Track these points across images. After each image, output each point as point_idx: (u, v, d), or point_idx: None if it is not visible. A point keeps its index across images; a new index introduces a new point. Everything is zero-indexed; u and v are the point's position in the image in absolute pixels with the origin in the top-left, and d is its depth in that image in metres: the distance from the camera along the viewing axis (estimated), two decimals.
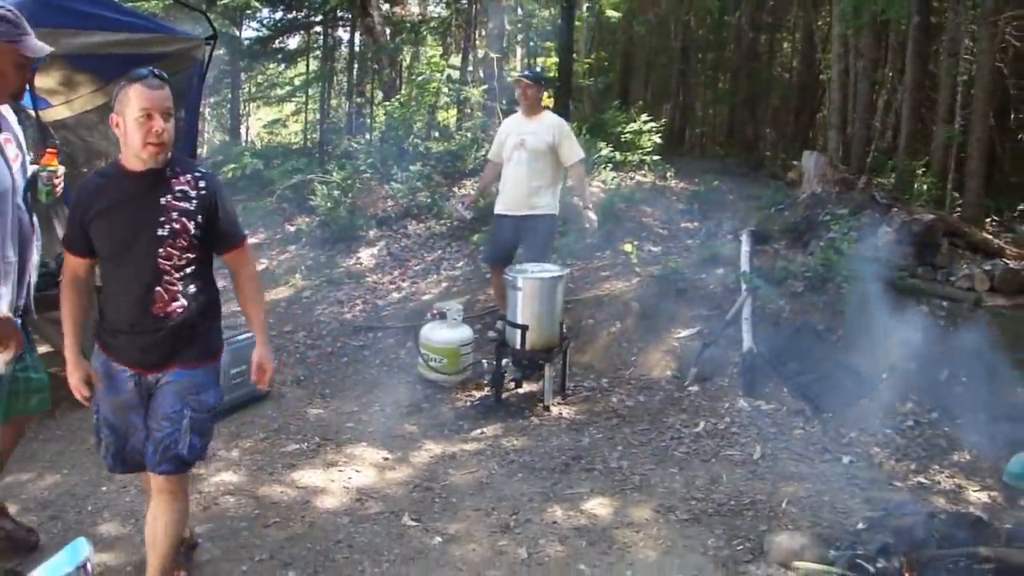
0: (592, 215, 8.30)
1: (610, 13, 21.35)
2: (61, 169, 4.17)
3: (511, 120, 8.51)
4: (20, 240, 3.91)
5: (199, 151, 8.19)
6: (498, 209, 8.26)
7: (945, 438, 6.64)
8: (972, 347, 7.53)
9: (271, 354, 4.00)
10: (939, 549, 4.35)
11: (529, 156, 7.98)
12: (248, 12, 20.51)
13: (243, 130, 26.60)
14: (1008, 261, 9.40)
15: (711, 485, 5.73)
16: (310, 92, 24.37)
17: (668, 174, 14.50)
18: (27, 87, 3.98)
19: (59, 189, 4.13)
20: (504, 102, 16.00)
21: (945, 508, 5.44)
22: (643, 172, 14.46)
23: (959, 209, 12.88)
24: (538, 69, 18.80)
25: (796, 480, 5.85)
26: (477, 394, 7.56)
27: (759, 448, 6.37)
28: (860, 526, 4.97)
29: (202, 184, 3.76)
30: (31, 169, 4.16)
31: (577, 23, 20.60)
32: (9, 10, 3.80)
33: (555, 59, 20.61)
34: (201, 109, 9.04)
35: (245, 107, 26.82)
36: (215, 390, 3.94)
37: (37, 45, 3.82)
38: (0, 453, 4.47)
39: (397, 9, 19.66)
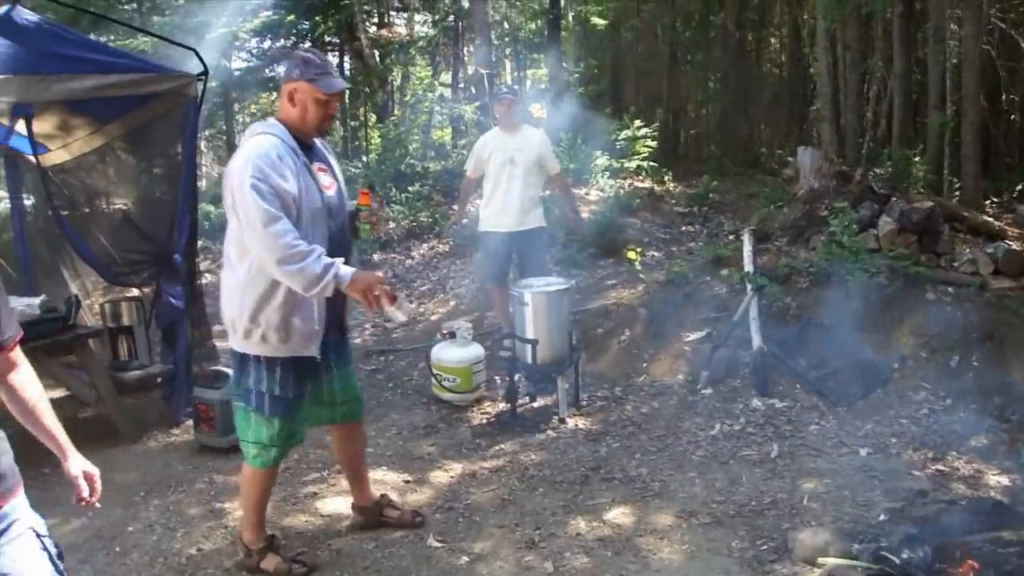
0: (582, 221, 8.82)
1: (596, 21, 21.38)
2: (375, 206, 4.56)
3: (492, 136, 8.53)
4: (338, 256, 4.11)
5: (199, 184, 8.24)
6: (490, 226, 8.37)
7: (961, 424, 6.66)
8: (980, 331, 7.58)
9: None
10: (963, 536, 4.37)
11: (522, 171, 8.12)
12: (237, 43, 20.59)
13: None
14: (1010, 243, 9.43)
15: (731, 487, 5.75)
16: None
17: (665, 178, 14.54)
18: (327, 121, 4.25)
19: (378, 227, 4.60)
20: (496, 116, 16.08)
21: (965, 495, 5.48)
22: (640, 177, 14.51)
23: (957, 193, 12.91)
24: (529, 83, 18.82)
25: (815, 476, 5.88)
26: (492, 411, 7.57)
27: (776, 447, 6.40)
28: (882, 518, 5.01)
29: None
30: (351, 203, 4.53)
31: (564, 33, 20.65)
32: (312, 52, 4.28)
33: (544, 70, 20.65)
34: (197, 143, 9.10)
35: (239, 138, 26.83)
36: None
37: (332, 83, 4.15)
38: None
39: (384, 31, 19.72)
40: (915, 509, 5.05)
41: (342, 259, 4.03)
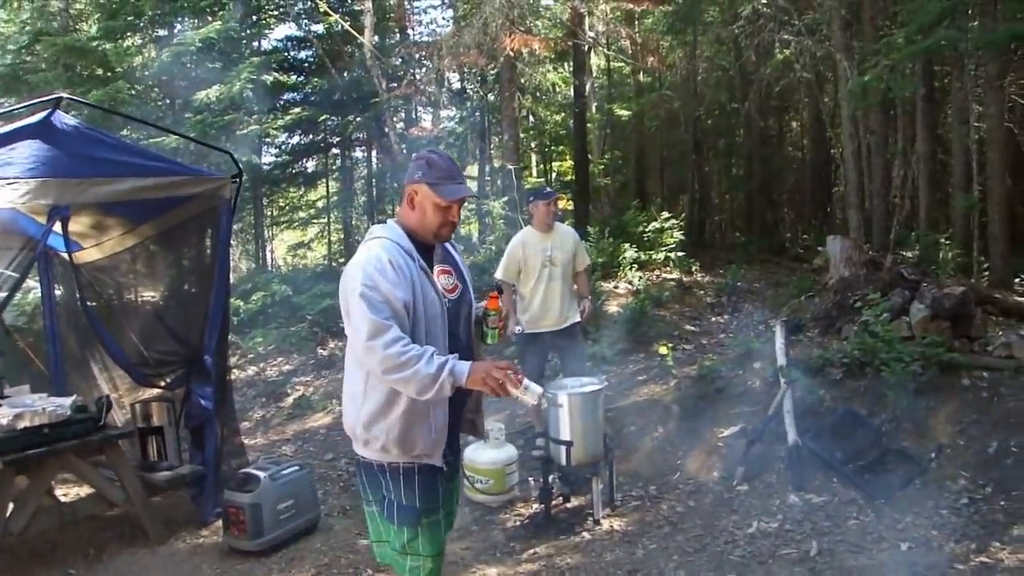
0: (589, 304, 8.63)
1: (621, 113, 21.61)
2: (504, 312, 4.30)
3: (527, 236, 8.39)
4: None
5: (229, 278, 8.31)
6: (534, 328, 8.25)
7: (1003, 512, 6.53)
8: (1017, 415, 7.50)
9: None
10: None
11: (560, 271, 8.13)
12: (267, 139, 20.93)
13: (268, 254, 26.90)
14: None
15: None
16: (332, 214, 24.64)
17: (693, 268, 14.57)
18: (445, 228, 4.07)
19: (504, 333, 4.28)
20: (526, 210, 16.21)
21: None
22: (668, 269, 14.55)
23: (986, 274, 12.88)
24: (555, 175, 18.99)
25: (856, 573, 5.78)
26: (526, 512, 7.48)
27: (815, 544, 6.28)
28: None
29: None
30: (478, 307, 4.33)
31: (589, 125, 20.88)
32: (439, 154, 4.09)
33: (570, 163, 20.85)
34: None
35: (268, 231, 27.14)
36: None
37: (454, 189, 4.01)
38: None
39: (412, 129, 20.00)
40: None
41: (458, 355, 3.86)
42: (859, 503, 6.93)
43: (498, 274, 8.44)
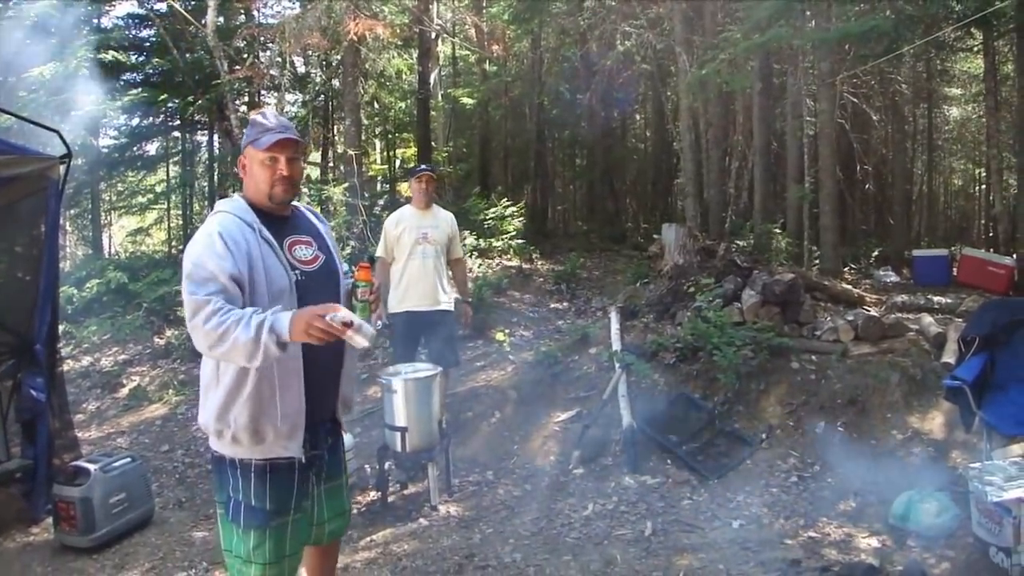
0: (470, 311, 8.35)
1: (465, 101, 21.62)
2: (376, 284, 3.86)
3: (404, 213, 8.19)
4: (322, 349, 3.55)
5: (61, 266, 7.94)
6: (403, 306, 7.97)
7: (830, 489, 6.83)
8: (844, 397, 7.78)
9: None
10: None
11: (435, 250, 7.95)
12: (104, 120, 20.26)
13: (106, 241, 26.06)
14: (869, 308, 9.74)
15: (606, 568, 5.71)
16: (172, 199, 24.04)
17: (534, 256, 14.66)
18: (278, 185, 3.73)
19: (377, 307, 3.85)
20: (366, 196, 16.07)
21: (838, 560, 5.56)
22: (508, 256, 14.61)
23: (817, 262, 13.33)
24: (399, 162, 18.89)
25: (690, 551, 5.89)
26: (363, 500, 7.38)
27: (650, 524, 6.39)
28: None
29: None
30: (345, 281, 3.96)
31: (433, 112, 20.82)
32: (261, 113, 3.83)
33: (414, 150, 20.77)
34: (61, 222, 8.86)
35: (107, 217, 26.28)
36: None
37: (268, 138, 3.70)
38: None
39: (254, 113, 19.63)
40: None
41: (283, 310, 3.45)
42: (692, 483, 7.10)
43: (378, 252, 8.26)
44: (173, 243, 24.12)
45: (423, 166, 8.51)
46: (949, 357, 8.03)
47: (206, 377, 3.72)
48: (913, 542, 5.85)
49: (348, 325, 3.31)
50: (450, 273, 8.31)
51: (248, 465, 3.68)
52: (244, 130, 3.90)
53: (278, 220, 3.80)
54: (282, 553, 3.76)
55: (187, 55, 19.39)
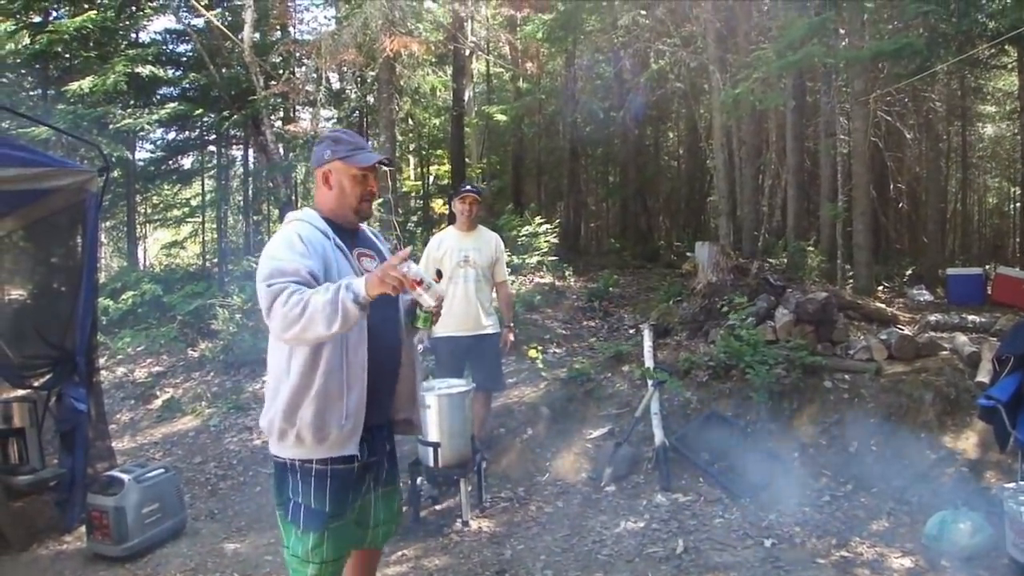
0: (511, 337, 8.15)
1: (499, 118, 21.67)
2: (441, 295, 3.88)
3: (448, 236, 8.08)
4: (383, 353, 3.86)
5: (97, 277, 7.97)
6: (446, 331, 7.75)
7: (863, 509, 6.80)
8: (877, 416, 7.75)
9: None
10: None
11: (477, 273, 7.81)
12: (141, 134, 20.45)
13: (140, 253, 26.25)
14: (902, 327, 9.69)
15: None
16: (207, 213, 24.22)
17: (567, 273, 14.67)
18: (366, 201, 3.95)
19: (436, 318, 3.94)
20: (400, 212, 16.13)
21: None
22: (541, 273, 14.62)
23: (851, 281, 13.27)
24: (432, 178, 18.90)
25: (721, 570, 5.88)
26: None
27: (681, 542, 6.36)
28: None
29: None
30: (405, 296, 4.00)
31: (467, 129, 20.89)
32: (343, 131, 4.03)
33: (447, 166, 20.83)
34: (98, 236, 8.95)
35: (142, 229, 26.47)
36: None
37: (368, 157, 3.90)
38: None
39: (290, 127, 19.72)
40: None
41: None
42: (725, 502, 7.08)
43: None
44: (207, 256, 24.28)
45: (468, 187, 8.30)
46: (983, 376, 7.97)
47: (274, 379, 3.83)
48: (947, 562, 5.82)
49: (419, 283, 3.45)
50: (495, 295, 8.22)
51: (309, 469, 3.80)
52: (315, 145, 4.05)
53: (347, 232, 3.95)
54: (338, 554, 3.91)
55: (223, 70, 19.60)
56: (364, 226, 4.17)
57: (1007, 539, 5.60)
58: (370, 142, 22.09)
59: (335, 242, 3.81)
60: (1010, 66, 21.30)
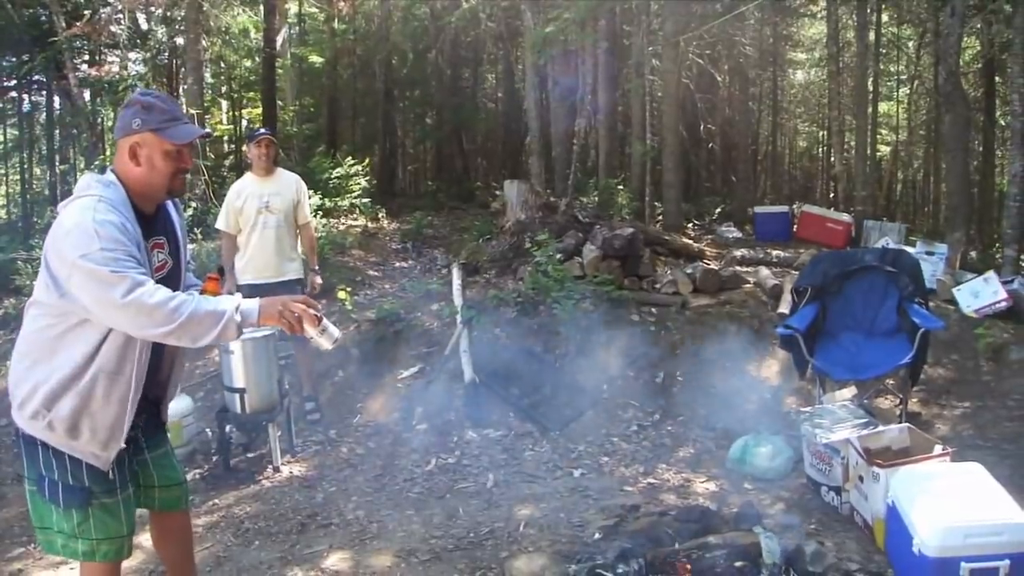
0: (319, 280, 8.00)
1: (313, 59, 21.30)
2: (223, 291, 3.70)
3: (247, 182, 7.79)
4: (156, 349, 3.41)
5: None
6: (245, 279, 7.62)
7: (670, 437, 7.07)
8: (683, 347, 7.99)
9: None
10: (674, 545, 4.54)
11: (277, 219, 7.60)
12: None
13: None
14: (709, 262, 9.98)
15: (449, 521, 5.75)
16: (9, 162, 23.19)
17: (380, 215, 14.59)
18: (179, 179, 3.43)
19: None
20: (211, 157, 15.75)
21: (675, 504, 5.72)
22: (355, 216, 14.51)
23: (660, 219, 13.58)
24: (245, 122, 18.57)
25: (531, 502, 5.98)
26: (206, 465, 7.26)
27: (492, 476, 6.48)
28: (596, 536, 5.13)
29: None
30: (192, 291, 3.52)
31: (280, 71, 20.45)
32: (153, 95, 3.43)
33: (259, 109, 20.39)
34: None
35: None
36: None
37: (183, 131, 3.39)
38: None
39: (94, 71, 18.89)
40: (628, 524, 5.18)
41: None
42: (534, 435, 7.21)
43: (219, 224, 7.85)
44: (12, 208, 23.26)
45: (261, 130, 8.17)
46: (784, 308, 8.30)
47: (35, 349, 3.38)
48: (749, 484, 6.08)
49: (318, 321, 3.36)
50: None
51: (61, 452, 3.37)
52: (123, 110, 3.46)
53: (144, 218, 3.43)
54: (110, 533, 3.47)
55: (23, 10, 18.63)
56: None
57: (805, 460, 5.87)
58: (179, 86, 21.49)
59: (137, 234, 3.30)
60: (819, 15, 22.04)
